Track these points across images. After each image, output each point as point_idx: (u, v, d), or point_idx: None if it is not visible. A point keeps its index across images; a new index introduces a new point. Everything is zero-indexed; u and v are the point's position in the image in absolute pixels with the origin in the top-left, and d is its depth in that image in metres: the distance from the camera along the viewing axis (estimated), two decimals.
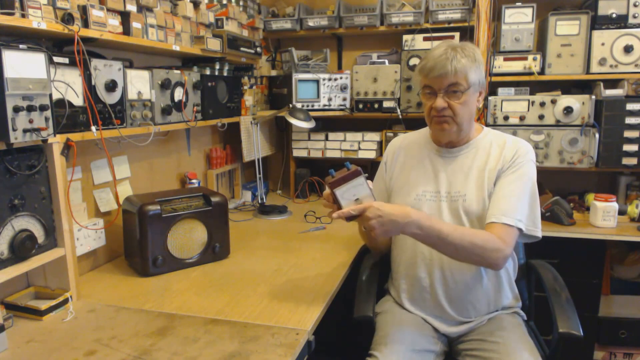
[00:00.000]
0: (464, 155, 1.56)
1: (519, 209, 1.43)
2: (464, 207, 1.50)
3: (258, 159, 2.66)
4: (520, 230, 1.43)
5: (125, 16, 1.68)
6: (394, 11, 2.69)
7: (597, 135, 2.37)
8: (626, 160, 2.36)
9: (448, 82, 1.44)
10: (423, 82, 1.50)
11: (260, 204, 2.65)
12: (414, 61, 2.68)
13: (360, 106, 2.79)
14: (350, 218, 1.33)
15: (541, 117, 2.45)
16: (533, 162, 1.50)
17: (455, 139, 1.55)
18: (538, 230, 1.47)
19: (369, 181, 1.34)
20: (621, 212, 2.29)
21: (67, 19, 1.43)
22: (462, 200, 1.50)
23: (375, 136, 2.81)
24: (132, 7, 1.71)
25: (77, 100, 1.52)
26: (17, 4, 1.28)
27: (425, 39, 2.68)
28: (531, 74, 2.46)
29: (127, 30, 1.68)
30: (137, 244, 1.68)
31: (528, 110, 2.47)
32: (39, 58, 1.31)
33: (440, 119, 1.49)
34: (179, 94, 1.99)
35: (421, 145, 1.65)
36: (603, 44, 2.36)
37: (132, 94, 1.75)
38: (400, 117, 2.71)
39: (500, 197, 1.45)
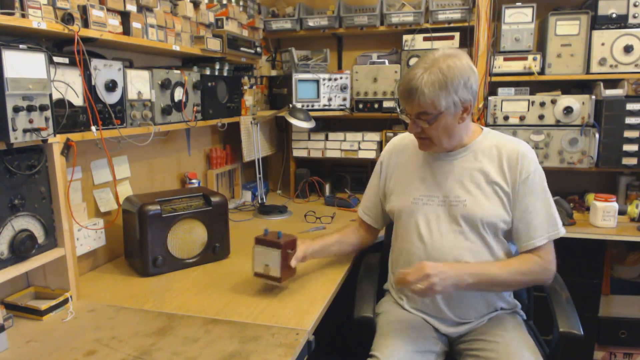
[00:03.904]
0: (463, 159, 1.53)
1: (549, 221, 1.46)
2: (464, 213, 1.48)
3: (258, 159, 2.66)
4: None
5: (125, 16, 1.68)
6: (394, 11, 2.69)
7: (597, 135, 2.37)
8: (626, 160, 2.36)
9: (415, 111, 1.43)
10: None
11: (260, 204, 2.65)
12: (414, 61, 2.68)
13: (360, 106, 2.79)
14: (294, 270, 1.57)
15: (541, 117, 2.45)
16: (538, 165, 1.49)
17: (441, 151, 1.54)
18: (562, 228, 1.51)
19: (281, 254, 1.49)
20: (621, 212, 2.29)
21: (67, 19, 1.43)
22: (462, 205, 1.49)
23: (375, 136, 2.81)
24: (132, 7, 1.71)
25: (77, 100, 1.52)
26: (17, 4, 1.28)
27: (425, 39, 2.68)
28: (531, 74, 2.46)
29: (127, 30, 1.68)
30: (137, 244, 1.68)
31: (528, 110, 2.47)
32: (39, 58, 1.31)
33: (419, 140, 1.52)
34: (179, 94, 1.99)
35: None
36: (603, 44, 2.36)
37: (132, 94, 1.75)
38: (400, 117, 2.71)
39: (529, 219, 1.46)
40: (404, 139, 1.71)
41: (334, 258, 1.78)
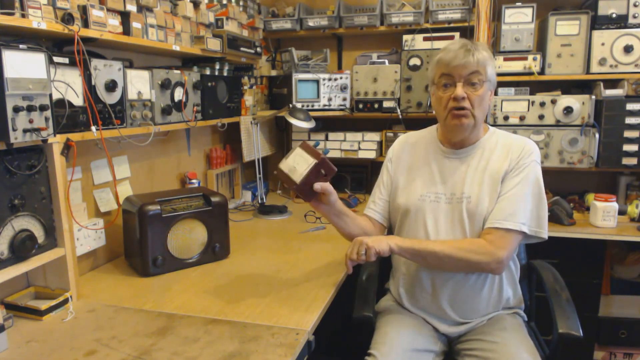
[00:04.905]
0: (470, 156, 1.53)
1: (521, 212, 1.42)
2: (468, 209, 1.48)
3: (258, 159, 2.66)
4: (523, 232, 1.42)
5: (125, 16, 1.68)
6: (394, 11, 2.69)
7: (597, 135, 2.37)
8: (626, 160, 2.36)
9: (470, 70, 1.42)
10: (441, 72, 1.46)
11: (260, 204, 2.65)
12: (414, 61, 2.68)
13: (360, 106, 2.79)
14: (311, 195, 1.51)
15: (541, 117, 2.45)
16: (537, 163, 1.48)
17: (468, 136, 1.52)
18: (544, 231, 1.46)
19: (310, 171, 1.48)
20: (621, 212, 2.29)
21: (67, 19, 1.43)
22: (466, 202, 1.49)
23: (375, 136, 2.81)
24: (132, 7, 1.71)
25: (77, 100, 1.52)
26: (17, 4, 1.28)
27: (425, 39, 2.68)
28: (531, 74, 2.46)
29: (127, 30, 1.68)
30: (137, 244, 1.68)
31: (528, 110, 2.47)
32: (39, 58, 1.31)
33: (459, 112, 1.44)
34: (179, 94, 1.99)
35: (428, 144, 1.63)
36: (603, 44, 2.36)
37: (132, 94, 1.75)
38: (400, 117, 2.71)
39: (502, 201, 1.45)
40: (411, 137, 1.71)
41: (339, 231, 1.65)
